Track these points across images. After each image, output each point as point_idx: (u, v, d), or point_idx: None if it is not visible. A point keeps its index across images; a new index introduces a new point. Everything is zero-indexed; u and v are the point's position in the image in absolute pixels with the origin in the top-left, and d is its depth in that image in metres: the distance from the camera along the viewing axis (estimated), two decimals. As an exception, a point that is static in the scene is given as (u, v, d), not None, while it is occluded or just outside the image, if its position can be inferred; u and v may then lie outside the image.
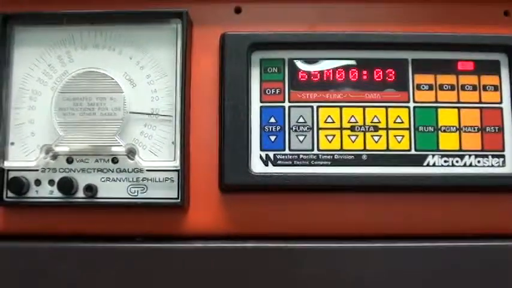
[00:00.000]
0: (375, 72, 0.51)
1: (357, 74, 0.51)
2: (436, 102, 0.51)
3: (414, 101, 0.51)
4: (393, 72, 0.51)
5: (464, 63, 0.52)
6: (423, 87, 0.51)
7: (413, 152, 0.50)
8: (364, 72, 0.51)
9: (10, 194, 0.49)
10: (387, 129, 0.50)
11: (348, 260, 0.48)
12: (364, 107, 0.50)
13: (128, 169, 0.49)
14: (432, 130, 0.50)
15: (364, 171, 0.50)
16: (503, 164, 0.50)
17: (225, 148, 0.49)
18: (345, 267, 0.48)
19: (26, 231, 0.50)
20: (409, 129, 0.50)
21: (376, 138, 0.50)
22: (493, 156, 0.50)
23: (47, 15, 0.51)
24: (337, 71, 0.51)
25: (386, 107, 0.51)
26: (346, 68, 0.51)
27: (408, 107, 0.51)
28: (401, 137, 0.50)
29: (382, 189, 0.50)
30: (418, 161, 0.50)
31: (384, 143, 0.50)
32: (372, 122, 0.50)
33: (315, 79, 0.51)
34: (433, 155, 0.50)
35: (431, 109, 0.51)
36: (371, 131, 0.50)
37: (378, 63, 0.51)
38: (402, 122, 0.50)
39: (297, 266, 0.48)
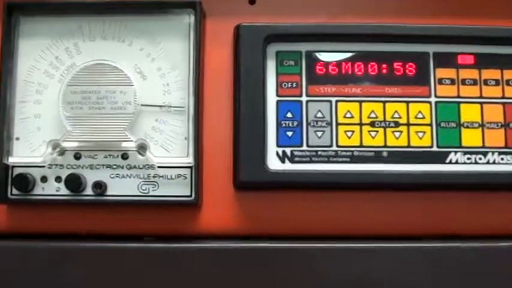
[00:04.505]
0: (394, 65, 0.49)
1: (376, 68, 0.49)
2: (458, 97, 0.49)
3: (436, 96, 0.49)
4: (414, 66, 0.49)
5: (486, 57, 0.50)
6: (445, 81, 0.49)
7: (435, 148, 0.48)
8: (384, 65, 0.49)
9: (15, 192, 0.47)
10: (408, 124, 0.48)
11: (368, 261, 0.46)
12: (384, 101, 0.49)
13: (139, 165, 0.47)
14: (454, 126, 0.49)
15: (384, 168, 0.48)
16: (528, 162, 0.49)
17: (241, 144, 0.47)
18: (364, 268, 0.46)
19: (31, 230, 0.48)
20: (430, 125, 0.49)
21: (396, 134, 0.48)
22: (517, 153, 0.49)
23: (54, 4, 0.49)
24: (356, 65, 0.49)
25: (407, 102, 0.49)
26: (365, 61, 0.49)
27: (430, 102, 0.49)
28: (422, 133, 0.48)
29: (403, 187, 0.48)
30: (440, 158, 0.48)
31: (405, 139, 0.48)
32: (392, 118, 0.48)
33: (333, 72, 0.49)
34: (456, 152, 0.48)
35: (453, 104, 0.49)
36: (391, 127, 0.48)
37: (398, 57, 0.49)
38: (423, 118, 0.49)
39: (314, 266, 0.46)
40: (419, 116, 0.49)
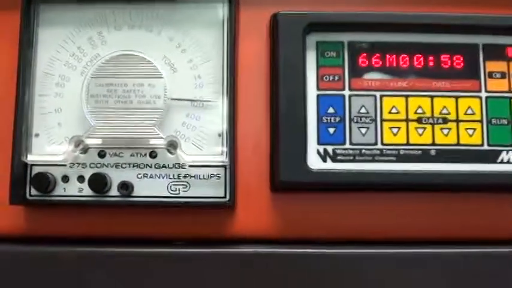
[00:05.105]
0: (442, 58, 0.46)
1: (422, 60, 0.46)
2: (510, 92, 0.46)
3: (486, 91, 0.46)
4: (462, 59, 0.46)
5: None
6: (495, 75, 0.46)
7: (486, 147, 0.45)
8: (431, 58, 0.46)
9: (34, 192, 0.45)
10: (457, 121, 0.45)
11: (417, 267, 0.43)
12: (431, 96, 0.46)
13: (168, 164, 0.44)
14: (506, 123, 0.46)
15: (433, 168, 0.45)
16: None
17: (280, 142, 0.44)
18: (413, 275, 0.43)
19: (51, 234, 0.45)
20: (481, 121, 0.45)
21: (445, 131, 0.45)
22: None
23: (76, -9, 0.46)
24: (401, 57, 0.46)
25: (456, 97, 0.46)
26: (411, 53, 0.46)
27: (480, 97, 0.46)
28: (472, 130, 0.45)
29: (452, 188, 0.45)
30: (491, 157, 0.45)
31: (454, 137, 0.45)
32: (440, 114, 0.45)
33: (377, 65, 0.46)
34: (508, 151, 0.45)
35: (504, 99, 0.46)
36: (440, 123, 0.45)
37: (446, 49, 0.46)
38: (474, 114, 0.45)
39: (358, 272, 0.43)
40: (469, 112, 0.45)
